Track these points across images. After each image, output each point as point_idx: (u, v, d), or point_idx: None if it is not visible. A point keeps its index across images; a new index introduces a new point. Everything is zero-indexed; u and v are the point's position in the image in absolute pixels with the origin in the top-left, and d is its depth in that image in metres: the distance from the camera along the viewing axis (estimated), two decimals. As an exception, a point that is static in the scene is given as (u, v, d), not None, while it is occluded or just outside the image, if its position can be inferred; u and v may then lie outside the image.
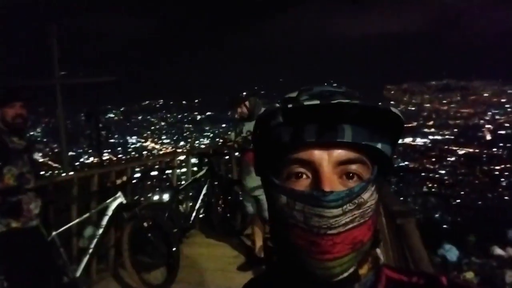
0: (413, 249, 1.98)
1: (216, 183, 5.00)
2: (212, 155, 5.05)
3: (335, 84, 0.61)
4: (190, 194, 5.14)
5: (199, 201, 4.81)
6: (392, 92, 78.00)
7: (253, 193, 3.71)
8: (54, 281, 3.04)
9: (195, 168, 5.38)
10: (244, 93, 3.63)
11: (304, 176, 0.55)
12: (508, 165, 36.36)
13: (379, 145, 0.56)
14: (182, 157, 5.47)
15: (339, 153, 0.54)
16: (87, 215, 3.59)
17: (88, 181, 3.94)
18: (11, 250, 2.57)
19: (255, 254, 4.04)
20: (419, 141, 53.37)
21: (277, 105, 0.57)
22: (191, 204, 5.14)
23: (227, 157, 5.72)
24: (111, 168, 4.18)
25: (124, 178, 3.90)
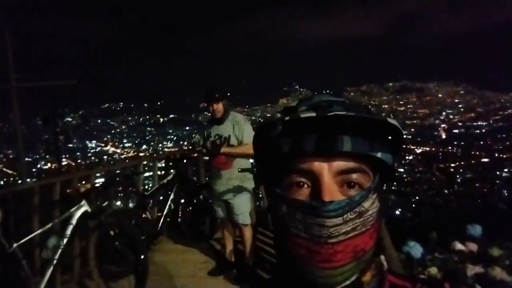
0: (383, 249, 2.04)
1: (184, 187, 4.94)
2: (179, 160, 4.98)
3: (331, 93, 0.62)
4: (157, 199, 5.04)
5: (167, 207, 4.72)
6: (352, 93, 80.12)
7: (223, 197, 3.69)
8: (16, 296, 2.90)
9: (161, 173, 5.29)
10: (219, 92, 3.57)
11: (305, 185, 0.55)
12: (463, 163, 38.22)
13: (379, 154, 0.56)
14: (147, 162, 5.37)
15: (339, 163, 0.54)
16: (50, 225, 3.43)
17: (49, 189, 3.77)
18: None
19: (226, 258, 4.02)
20: (379, 141, 54.95)
21: (278, 115, 0.58)
22: (158, 210, 5.05)
23: (193, 161, 5.66)
24: (74, 175, 4.03)
25: (88, 186, 3.78)
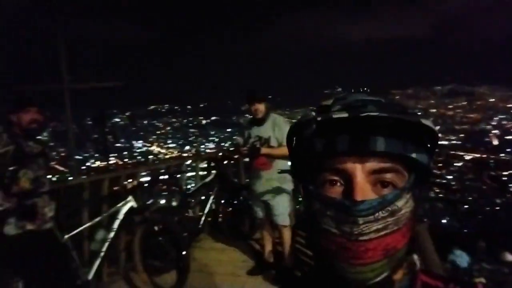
0: (425, 253, 1.99)
1: (224, 188, 5.02)
2: (220, 160, 5.08)
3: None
4: (199, 198, 5.16)
5: (208, 206, 4.83)
6: (398, 97, 77.69)
7: (262, 198, 3.72)
8: (67, 284, 3.08)
9: (203, 173, 5.41)
10: (261, 94, 3.64)
11: (338, 183, 0.56)
12: (516, 171, 36.06)
13: (413, 155, 0.55)
14: (190, 162, 5.51)
15: (372, 163, 0.54)
16: (98, 218, 3.63)
17: (99, 185, 3.97)
18: (27, 252, 2.60)
19: (265, 258, 4.04)
20: (427, 146, 52.97)
21: (312, 113, 0.58)
22: (200, 208, 5.17)
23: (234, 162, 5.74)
24: (121, 173, 4.22)
25: (135, 183, 3.94)
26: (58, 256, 2.92)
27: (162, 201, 4.94)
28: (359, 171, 0.54)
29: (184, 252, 3.81)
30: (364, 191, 0.54)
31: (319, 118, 0.55)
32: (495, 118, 59.78)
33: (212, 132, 65.32)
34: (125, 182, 4.05)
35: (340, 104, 0.58)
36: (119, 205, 3.69)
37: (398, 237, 0.54)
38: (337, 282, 0.56)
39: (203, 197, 5.06)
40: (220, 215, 4.92)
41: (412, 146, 0.56)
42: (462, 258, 3.71)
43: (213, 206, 4.95)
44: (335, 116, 0.54)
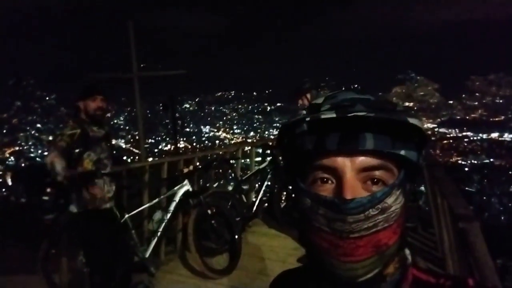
0: (476, 254, 1.87)
1: (278, 174, 5.07)
2: (275, 147, 5.11)
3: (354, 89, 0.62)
4: (253, 184, 5.26)
5: (262, 192, 4.91)
6: (477, 83, 72.12)
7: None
8: (126, 260, 3.33)
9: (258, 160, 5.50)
10: (306, 85, 3.62)
11: (329, 181, 0.56)
12: None
13: (402, 152, 0.55)
14: (246, 148, 5.61)
15: (362, 160, 0.55)
16: (156, 200, 3.86)
17: (158, 168, 4.21)
18: (88, 229, 2.85)
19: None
20: (507, 136, 49.11)
21: (303, 112, 0.60)
22: (254, 194, 5.27)
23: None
24: (179, 157, 4.42)
25: (191, 167, 4.12)
26: (117, 234, 3.15)
27: (217, 185, 5.10)
28: (349, 169, 0.55)
29: (236, 236, 3.95)
30: (354, 189, 0.54)
31: (307, 119, 0.57)
32: None
33: (276, 119, 65.77)
34: (183, 166, 4.23)
35: (330, 103, 0.58)
36: (176, 188, 3.89)
37: (389, 233, 0.55)
38: (329, 277, 0.57)
39: (257, 183, 5.15)
40: (274, 202, 4.98)
41: (401, 143, 0.56)
42: None
43: (267, 192, 5.02)
44: (323, 116, 0.55)
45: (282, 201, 5.02)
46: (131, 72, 7.41)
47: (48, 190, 2.93)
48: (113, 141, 3.23)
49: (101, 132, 3.02)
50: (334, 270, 0.55)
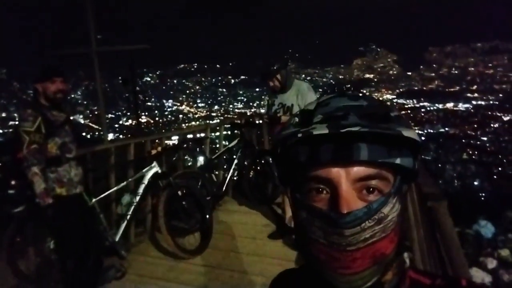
0: (444, 232, 1.96)
1: (247, 152, 5.08)
2: (243, 126, 5.10)
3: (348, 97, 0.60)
4: (223, 163, 5.26)
5: (231, 170, 4.92)
6: (434, 54, 74.37)
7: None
8: (95, 245, 3.26)
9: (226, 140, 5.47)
10: (275, 66, 3.58)
11: (324, 191, 0.56)
12: (557, 133, 34.48)
13: (397, 161, 0.55)
14: (214, 127, 5.56)
15: (357, 170, 0.54)
16: (124, 183, 3.76)
17: (124, 150, 4.09)
18: (57, 215, 2.74)
19: (285, 223, 4.12)
20: (461, 106, 51.36)
21: (296, 119, 0.59)
22: (223, 172, 5.27)
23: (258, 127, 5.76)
24: (146, 138, 4.31)
25: (159, 149, 4.03)
26: (86, 219, 3.07)
27: (186, 165, 5.05)
28: (344, 179, 0.54)
29: (207, 216, 3.95)
30: (350, 201, 0.54)
31: (299, 135, 0.55)
32: (539, 77, 56.58)
33: (241, 92, 65.40)
34: (150, 148, 4.14)
35: (322, 113, 0.57)
36: (144, 170, 3.81)
37: (386, 243, 0.55)
38: (327, 285, 0.57)
39: (226, 162, 5.14)
40: (243, 179, 5.00)
41: (396, 150, 0.55)
42: (486, 229, 3.67)
43: (237, 170, 5.02)
44: (315, 133, 0.53)
45: (251, 178, 5.05)
46: (90, 48, 7.06)
47: (13, 182, 2.79)
48: (71, 117, 3.07)
49: (62, 115, 2.87)
50: (333, 281, 0.56)
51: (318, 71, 74.27)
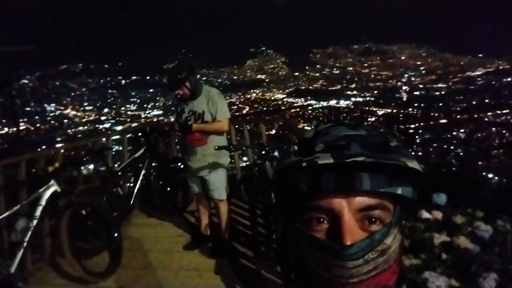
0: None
1: (155, 161, 4.87)
2: (149, 133, 4.87)
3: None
4: (128, 174, 4.94)
5: (139, 181, 4.64)
6: (318, 56, 80.00)
7: (198, 173, 3.66)
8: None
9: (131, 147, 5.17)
10: (182, 74, 3.47)
11: (325, 221, 0.55)
12: (422, 124, 39.81)
13: (399, 191, 0.55)
14: (117, 137, 5.21)
15: (359, 200, 0.53)
16: (17, 207, 3.30)
17: (15, 168, 3.60)
18: None
19: (201, 232, 4.04)
20: (343, 103, 56.08)
21: (295, 147, 0.58)
22: (130, 185, 4.95)
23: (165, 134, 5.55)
24: (40, 153, 3.86)
25: (56, 164, 3.63)
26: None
27: (88, 181, 4.64)
28: (346, 210, 0.53)
29: (115, 234, 3.67)
30: (353, 232, 0.53)
31: (304, 164, 0.54)
32: (405, 75, 64.54)
33: (133, 93, 62.35)
34: (46, 164, 3.70)
35: (323, 142, 0.57)
36: (40, 190, 3.39)
37: (388, 275, 0.54)
38: None
39: (133, 173, 4.84)
40: (152, 189, 4.78)
41: (397, 180, 0.55)
42: (441, 198, 3.95)
43: (144, 181, 4.77)
44: (320, 162, 0.53)
45: (160, 188, 4.86)
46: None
47: None
48: None
49: None
50: None
51: (213, 72, 74.59)
